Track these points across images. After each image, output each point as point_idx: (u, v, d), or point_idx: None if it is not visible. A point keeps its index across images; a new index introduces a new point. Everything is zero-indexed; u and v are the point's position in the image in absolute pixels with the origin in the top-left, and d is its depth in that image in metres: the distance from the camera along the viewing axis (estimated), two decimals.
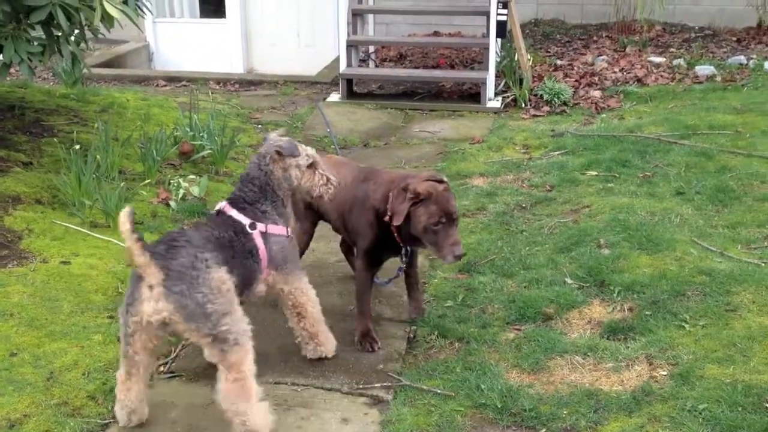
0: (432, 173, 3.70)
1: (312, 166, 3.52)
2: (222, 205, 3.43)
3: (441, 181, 3.61)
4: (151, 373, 3.32)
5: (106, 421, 3.26)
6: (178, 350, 3.84)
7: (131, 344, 3.06)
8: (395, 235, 3.70)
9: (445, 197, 3.52)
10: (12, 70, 5.79)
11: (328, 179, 3.55)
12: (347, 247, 4.45)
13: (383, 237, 3.74)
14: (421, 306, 4.10)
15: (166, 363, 3.73)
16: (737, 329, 3.57)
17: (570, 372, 3.49)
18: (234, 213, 3.38)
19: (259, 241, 3.37)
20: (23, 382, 3.36)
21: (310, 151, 3.55)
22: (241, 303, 3.24)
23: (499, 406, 3.28)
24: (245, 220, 3.37)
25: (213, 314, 2.95)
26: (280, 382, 3.56)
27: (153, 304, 2.93)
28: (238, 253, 3.28)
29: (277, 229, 3.45)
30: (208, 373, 3.65)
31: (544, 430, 3.14)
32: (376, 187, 3.79)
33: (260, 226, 3.39)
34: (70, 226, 4.60)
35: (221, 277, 3.03)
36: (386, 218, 3.66)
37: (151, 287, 2.92)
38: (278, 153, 3.42)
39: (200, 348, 3.81)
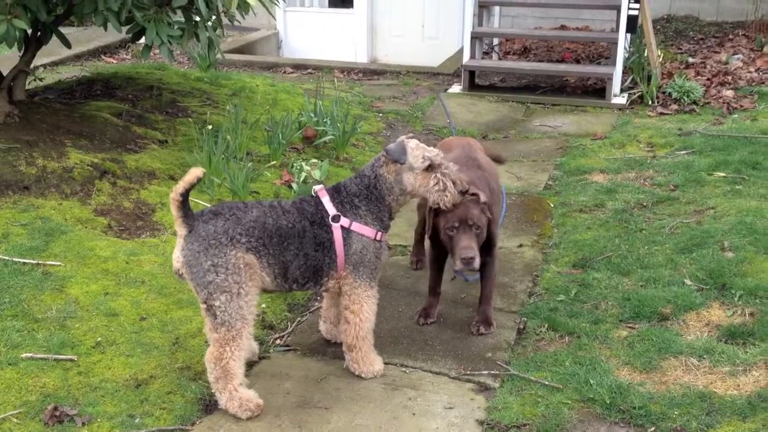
0: (481, 198, 3.62)
1: (430, 168, 3.36)
2: (318, 187, 3.40)
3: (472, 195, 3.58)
4: None
5: None
6: (293, 325, 4.00)
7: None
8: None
9: (463, 204, 3.54)
10: (151, 53, 6.13)
11: (445, 186, 3.38)
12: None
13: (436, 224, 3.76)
14: (485, 318, 3.90)
15: (282, 336, 3.89)
16: None
17: (684, 373, 3.41)
18: (326, 200, 3.34)
19: (337, 235, 3.30)
20: (151, 345, 3.59)
21: (431, 153, 3.36)
22: (315, 295, 3.36)
23: (607, 401, 3.25)
24: (331, 210, 3.32)
25: (210, 285, 3.08)
26: (388, 362, 3.64)
27: (176, 251, 3.17)
28: (305, 246, 3.26)
29: (363, 229, 3.35)
30: (322, 348, 3.79)
31: (653, 428, 3.09)
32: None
33: (344, 221, 3.32)
34: (199, 201, 4.85)
35: (241, 257, 3.11)
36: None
37: (178, 236, 3.17)
38: (386, 156, 3.37)
39: (315, 323, 3.98)
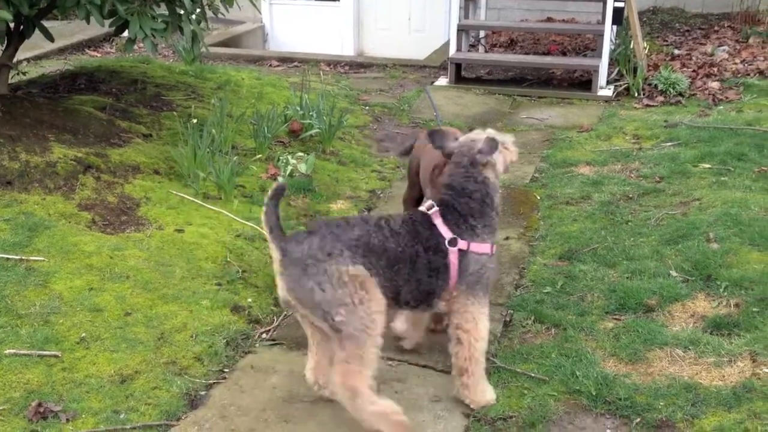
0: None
1: (501, 148, 3.25)
2: (432, 210, 3.14)
3: None
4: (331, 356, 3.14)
5: (211, 382, 3.43)
6: (279, 319, 3.98)
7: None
8: None
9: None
10: (136, 47, 6.08)
11: (510, 153, 3.33)
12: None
13: None
14: None
15: (268, 331, 3.88)
16: None
17: (669, 364, 3.42)
18: (439, 223, 3.10)
19: (453, 259, 3.08)
20: (135, 341, 3.56)
21: (491, 132, 3.28)
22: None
23: (593, 393, 3.26)
24: (447, 234, 3.09)
25: (322, 304, 2.89)
26: None
27: (277, 279, 3.00)
28: (418, 272, 3.05)
29: (481, 248, 3.12)
30: (307, 343, 3.77)
31: (638, 419, 3.10)
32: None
33: (461, 243, 3.09)
34: (184, 196, 4.82)
35: (345, 270, 2.90)
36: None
37: (275, 261, 2.99)
38: (485, 159, 3.17)
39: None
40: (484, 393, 3.25)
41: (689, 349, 3.49)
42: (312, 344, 3.23)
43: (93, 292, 3.80)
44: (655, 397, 3.20)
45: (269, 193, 2.98)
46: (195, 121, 5.27)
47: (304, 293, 2.92)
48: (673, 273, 4.12)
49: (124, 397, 3.23)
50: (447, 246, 3.07)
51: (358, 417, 2.97)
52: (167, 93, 6.59)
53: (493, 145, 3.17)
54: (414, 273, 3.04)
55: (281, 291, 3.00)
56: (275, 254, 2.98)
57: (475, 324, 3.15)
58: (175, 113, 6.03)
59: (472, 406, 3.25)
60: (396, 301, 3.08)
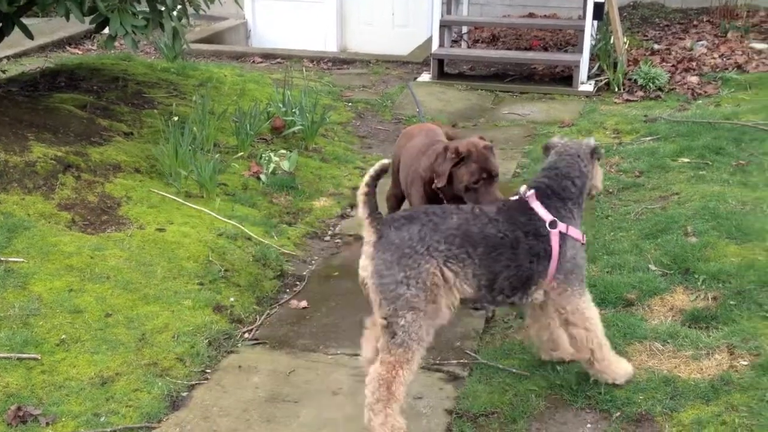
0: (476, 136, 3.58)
1: (596, 158, 3.27)
2: (529, 193, 3.11)
3: (482, 139, 3.54)
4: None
5: (192, 383, 3.43)
6: (262, 318, 3.98)
7: (366, 295, 2.99)
8: (442, 198, 3.70)
9: (484, 155, 3.52)
10: (117, 44, 6.05)
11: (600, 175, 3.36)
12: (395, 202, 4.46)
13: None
14: None
15: (251, 330, 3.88)
16: None
17: (648, 358, 3.45)
18: (537, 205, 3.07)
19: (554, 242, 3.03)
20: (116, 342, 3.55)
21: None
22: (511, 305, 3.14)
23: (574, 388, 3.29)
24: (547, 217, 3.05)
25: (399, 300, 2.82)
26: (357, 354, 3.61)
27: (363, 259, 2.93)
28: (519, 257, 3.00)
29: (576, 233, 3.11)
30: (291, 341, 3.79)
31: (618, 413, 3.14)
32: (423, 158, 3.81)
33: (561, 226, 3.05)
34: (166, 195, 4.81)
35: (434, 272, 2.85)
36: (433, 186, 3.67)
37: (365, 243, 2.92)
38: (595, 155, 3.23)
39: (284, 316, 3.97)
40: (620, 368, 3.24)
41: (668, 343, 3.53)
42: (373, 326, 3.10)
43: (73, 293, 3.79)
44: (634, 390, 3.23)
45: (371, 171, 2.86)
46: (176, 118, 5.26)
47: (389, 282, 2.83)
48: (653, 267, 4.16)
49: (104, 399, 3.23)
50: (548, 228, 3.03)
51: (374, 418, 2.89)
52: (149, 90, 6.56)
53: (601, 149, 3.24)
54: (515, 259, 2.99)
55: (363, 272, 2.92)
56: (370, 235, 2.89)
57: (582, 315, 3.13)
58: (156, 111, 6.00)
59: (617, 382, 3.24)
60: (490, 289, 3.01)
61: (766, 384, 3.13)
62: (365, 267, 2.91)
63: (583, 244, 3.15)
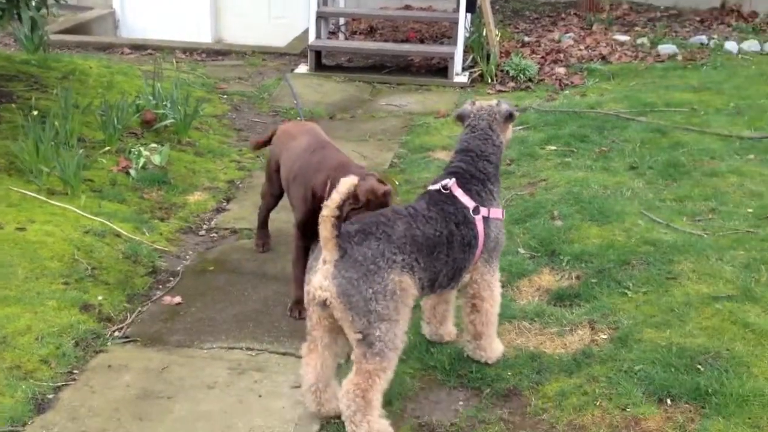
0: (377, 175, 3.49)
1: (510, 119, 3.29)
2: (449, 182, 3.11)
3: (381, 183, 3.39)
4: (336, 356, 3.06)
5: (58, 384, 3.30)
6: (133, 316, 3.87)
7: (309, 316, 2.95)
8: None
9: (383, 204, 3.33)
10: None
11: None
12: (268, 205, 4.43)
13: (315, 216, 3.68)
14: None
15: (121, 328, 3.77)
16: (676, 296, 3.69)
17: (517, 336, 3.59)
18: (459, 193, 3.09)
19: (480, 228, 3.08)
20: None
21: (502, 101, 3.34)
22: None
23: (447, 368, 3.38)
24: (470, 204, 3.08)
25: (372, 315, 2.78)
26: (234, 347, 3.62)
27: (320, 279, 2.82)
28: (454, 250, 3.02)
29: (497, 212, 3.16)
30: (164, 338, 3.70)
31: (488, 390, 3.25)
32: (320, 168, 3.70)
33: (483, 211, 3.10)
34: (26, 192, 4.59)
35: (399, 281, 2.84)
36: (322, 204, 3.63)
37: (324, 262, 2.82)
38: (510, 118, 3.22)
39: (157, 313, 3.88)
40: (496, 349, 3.38)
41: (535, 321, 3.67)
42: (314, 348, 3.03)
43: None
44: (503, 368, 3.36)
45: (337, 196, 2.74)
46: (36, 113, 5.03)
47: (358, 300, 2.78)
48: (521, 250, 4.31)
49: None
50: (472, 215, 3.07)
51: (357, 429, 2.87)
52: (6, 84, 6.23)
53: (514, 108, 3.24)
54: (451, 253, 3.02)
55: (324, 292, 2.82)
56: (333, 254, 2.79)
57: (491, 291, 3.24)
58: (14, 105, 5.71)
59: (489, 363, 3.36)
60: (431, 287, 3.06)
61: (623, 356, 3.31)
62: (325, 287, 2.81)
63: (502, 219, 3.24)
